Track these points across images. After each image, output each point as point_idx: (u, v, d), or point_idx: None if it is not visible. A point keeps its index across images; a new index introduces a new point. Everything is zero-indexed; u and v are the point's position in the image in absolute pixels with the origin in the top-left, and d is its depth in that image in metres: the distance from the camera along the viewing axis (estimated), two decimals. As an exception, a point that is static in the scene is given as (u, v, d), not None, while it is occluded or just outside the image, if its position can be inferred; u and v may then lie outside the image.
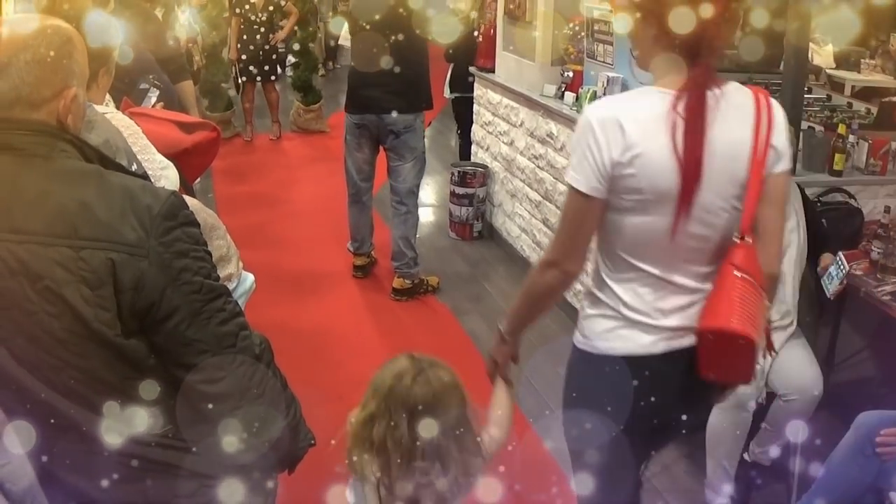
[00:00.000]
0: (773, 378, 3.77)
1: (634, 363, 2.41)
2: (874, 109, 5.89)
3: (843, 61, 9.56)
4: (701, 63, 2.26)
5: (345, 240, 6.58)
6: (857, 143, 4.72)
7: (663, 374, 2.43)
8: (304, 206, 8.12)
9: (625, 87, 5.46)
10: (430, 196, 8.21)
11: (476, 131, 7.84)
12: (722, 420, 3.70)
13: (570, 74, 6.23)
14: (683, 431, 2.59)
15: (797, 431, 3.66)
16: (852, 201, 4.41)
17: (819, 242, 3.98)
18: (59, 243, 1.79)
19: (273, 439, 2.02)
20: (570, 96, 6.12)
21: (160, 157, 3.13)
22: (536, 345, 5.59)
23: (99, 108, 2.94)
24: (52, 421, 1.88)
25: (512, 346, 2.68)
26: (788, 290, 3.74)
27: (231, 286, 3.70)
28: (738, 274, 2.31)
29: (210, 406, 1.91)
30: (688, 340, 2.42)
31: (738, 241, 2.35)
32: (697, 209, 2.30)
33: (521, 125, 6.78)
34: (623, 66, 5.51)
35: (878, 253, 4.07)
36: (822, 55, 9.50)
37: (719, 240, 2.37)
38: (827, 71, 9.28)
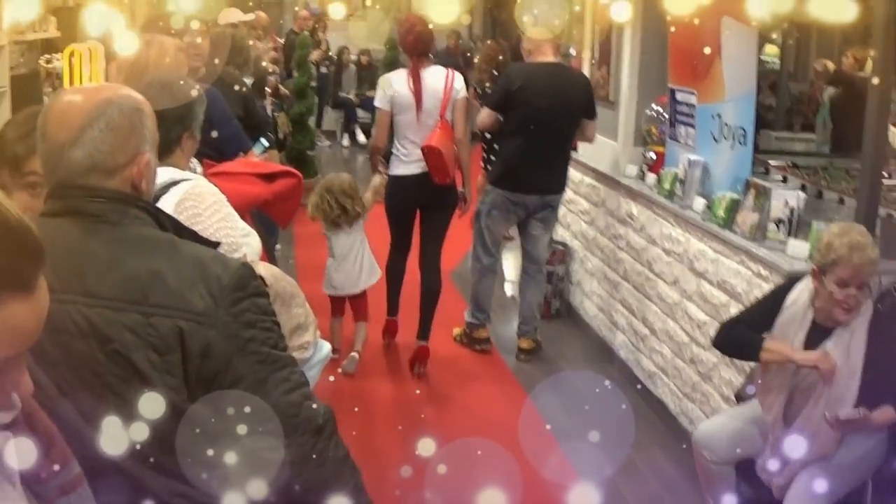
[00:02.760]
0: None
1: (404, 178, 5.97)
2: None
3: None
4: (414, 59, 5.89)
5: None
6: (937, 231, 4.60)
7: (415, 183, 5.93)
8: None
9: (706, 172, 5.44)
10: (511, 273, 8.19)
11: (557, 209, 7.85)
12: None
13: (653, 156, 6.21)
14: (432, 210, 6.09)
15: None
16: (931, 291, 4.31)
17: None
18: (129, 309, 1.85)
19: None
20: (651, 177, 6.09)
21: (242, 224, 3.16)
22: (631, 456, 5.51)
23: (184, 174, 2.99)
24: (112, 476, 1.92)
25: (377, 159, 6.19)
26: None
27: (307, 354, 3.73)
28: (440, 130, 5.81)
29: (272, 473, 1.93)
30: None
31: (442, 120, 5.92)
32: (424, 111, 5.83)
33: (601, 205, 6.78)
34: (705, 149, 5.49)
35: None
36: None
37: (434, 123, 5.81)
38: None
